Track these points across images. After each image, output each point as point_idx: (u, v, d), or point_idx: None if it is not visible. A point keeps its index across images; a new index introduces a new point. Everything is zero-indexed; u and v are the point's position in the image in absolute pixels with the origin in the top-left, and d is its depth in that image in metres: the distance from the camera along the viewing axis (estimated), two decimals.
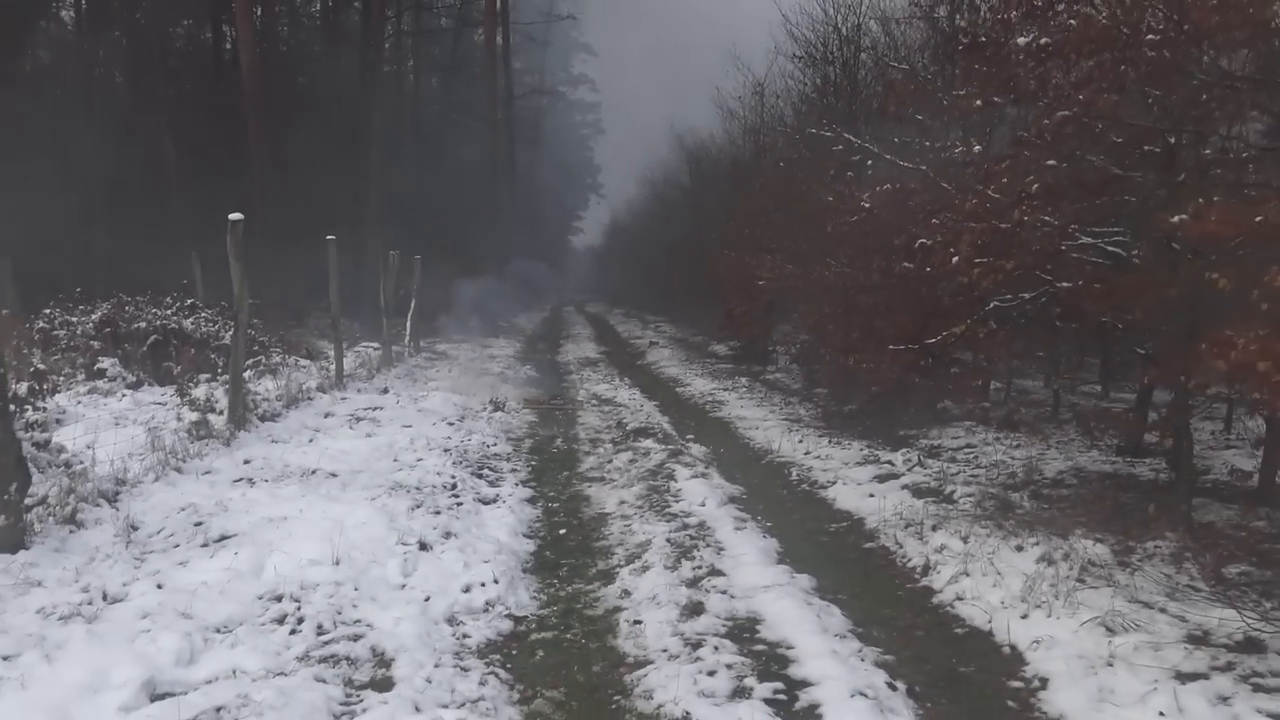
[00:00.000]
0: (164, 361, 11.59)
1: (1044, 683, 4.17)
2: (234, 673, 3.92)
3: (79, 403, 9.74)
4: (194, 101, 30.10)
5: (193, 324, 12.41)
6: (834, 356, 11.60)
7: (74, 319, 13.40)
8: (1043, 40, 6.15)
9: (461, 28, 36.11)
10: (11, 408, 5.46)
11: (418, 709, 3.74)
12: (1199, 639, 4.33)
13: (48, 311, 12.43)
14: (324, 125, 27.30)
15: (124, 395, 10.33)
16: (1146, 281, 5.96)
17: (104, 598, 4.61)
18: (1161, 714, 3.73)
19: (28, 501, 5.36)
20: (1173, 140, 5.72)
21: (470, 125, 33.05)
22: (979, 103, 6.28)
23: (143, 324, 11.94)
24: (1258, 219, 4.62)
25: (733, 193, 20.84)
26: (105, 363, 10.93)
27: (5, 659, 3.85)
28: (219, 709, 3.56)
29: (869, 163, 9.04)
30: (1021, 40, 6.30)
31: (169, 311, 12.61)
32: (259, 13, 24.27)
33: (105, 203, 26.10)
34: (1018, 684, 4.21)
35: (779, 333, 17.58)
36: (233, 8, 30.42)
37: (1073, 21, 5.36)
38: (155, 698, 3.67)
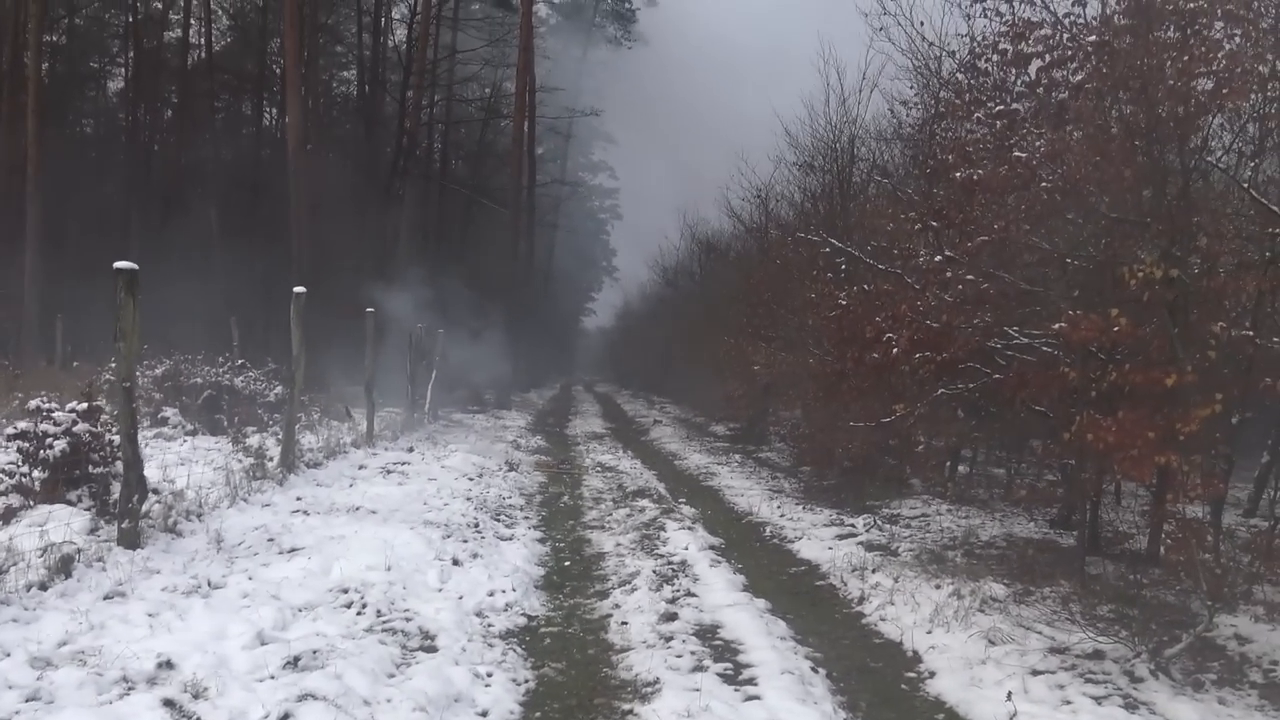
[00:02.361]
0: (216, 414, 12.98)
1: (932, 674, 5.46)
2: (318, 635, 5.22)
3: (147, 445, 11.11)
4: (234, 173, 31.92)
5: (242, 382, 13.82)
6: (815, 435, 12.95)
7: (137, 373, 14.80)
8: (974, 175, 7.66)
9: (489, 118, 38.21)
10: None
11: (457, 663, 5.05)
12: (1057, 650, 5.61)
13: (112, 365, 13.83)
14: (357, 202, 29.08)
15: (184, 441, 11.72)
16: (1051, 375, 7.32)
17: (209, 584, 5.93)
18: (1010, 691, 5.00)
19: None
20: (1070, 262, 7.12)
21: (492, 209, 34.93)
22: (918, 225, 7.76)
23: (198, 380, 13.36)
24: (1115, 328, 6.03)
25: (736, 284, 22.38)
26: (167, 412, 12.33)
27: (150, 615, 5.17)
28: (314, 651, 4.87)
29: (843, 264, 10.47)
30: (958, 175, 7.82)
31: (221, 370, 14.00)
32: (304, 92, 26.07)
33: (150, 266, 27.77)
34: (912, 674, 5.50)
35: (773, 415, 18.97)
36: (276, 89, 32.63)
37: (980, 172, 6.82)
38: (264, 643, 4.96)
